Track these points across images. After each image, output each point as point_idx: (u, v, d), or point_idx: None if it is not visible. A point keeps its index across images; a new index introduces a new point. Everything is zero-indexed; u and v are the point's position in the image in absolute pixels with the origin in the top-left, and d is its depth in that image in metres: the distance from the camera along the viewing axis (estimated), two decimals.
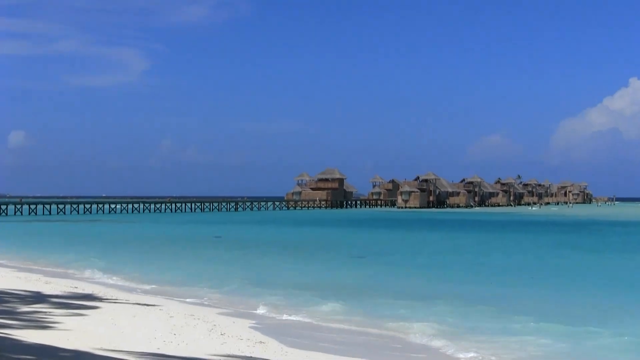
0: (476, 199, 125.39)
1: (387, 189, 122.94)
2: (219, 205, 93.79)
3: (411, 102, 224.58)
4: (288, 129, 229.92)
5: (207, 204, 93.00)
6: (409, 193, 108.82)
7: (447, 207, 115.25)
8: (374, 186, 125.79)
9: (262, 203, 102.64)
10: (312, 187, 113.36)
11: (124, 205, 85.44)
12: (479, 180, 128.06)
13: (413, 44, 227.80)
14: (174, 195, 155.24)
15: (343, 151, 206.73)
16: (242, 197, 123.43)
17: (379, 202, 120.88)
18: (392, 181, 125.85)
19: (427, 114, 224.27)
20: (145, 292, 16.67)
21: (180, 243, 33.27)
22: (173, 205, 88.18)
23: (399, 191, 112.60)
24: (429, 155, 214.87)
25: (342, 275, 20.06)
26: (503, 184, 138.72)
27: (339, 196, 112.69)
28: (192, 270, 20.96)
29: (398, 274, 20.62)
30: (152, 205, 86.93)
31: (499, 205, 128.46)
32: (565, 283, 18.59)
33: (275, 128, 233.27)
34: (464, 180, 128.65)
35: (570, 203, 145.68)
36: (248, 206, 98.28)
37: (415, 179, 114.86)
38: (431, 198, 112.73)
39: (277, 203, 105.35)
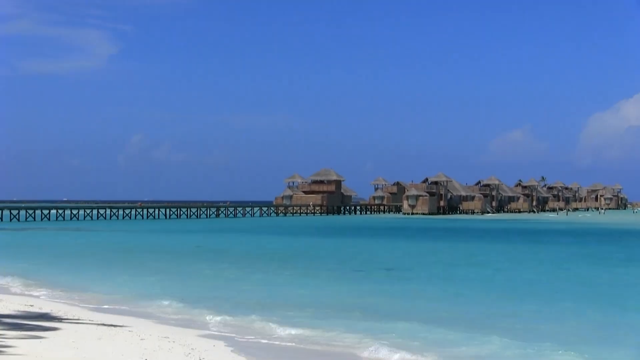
0: (493, 204, 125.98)
1: (391, 193, 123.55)
2: (197, 211, 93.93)
3: (418, 94, 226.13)
4: (279, 123, 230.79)
5: (184, 210, 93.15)
6: (417, 197, 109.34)
7: (460, 213, 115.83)
8: (376, 189, 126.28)
9: (248, 209, 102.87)
10: (305, 190, 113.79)
11: (88, 211, 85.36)
12: (496, 182, 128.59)
13: (422, 30, 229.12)
14: (146, 199, 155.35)
15: (341, 149, 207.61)
16: (225, 202, 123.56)
17: (381, 207, 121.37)
18: (397, 184, 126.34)
19: (436, 107, 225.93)
20: (112, 311, 16.68)
21: (154, 255, 33.33)
22: (145, 211, 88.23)
23: (404, 195, 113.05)
24: (439, 154, 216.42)
25: (334, 292, 20.13)
26: (524, 187, 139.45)
27: (335, 201, 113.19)
28: (167, 286, 21.03)
29: (401, 291, 20.77)
30: (121, 211, 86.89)
31: (519, 211, 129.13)
32: (593, 303, 18.64)
33: (263, 122, 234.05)
34: (479, 182, 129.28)
35: (602, 209, 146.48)
36: (231, 212, 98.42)
37: (424, 181, 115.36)
38: (442, 203, 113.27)
39: (264, 209, 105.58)
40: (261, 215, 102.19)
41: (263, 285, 21.67)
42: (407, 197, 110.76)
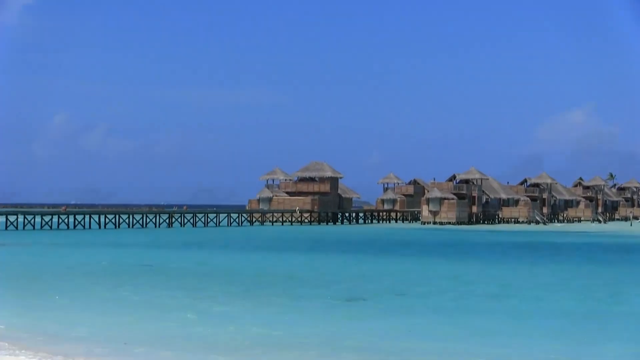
0: (545, 210, 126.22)
1: (405, 195, 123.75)
2: (143, 218, 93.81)
3: (440, 65, 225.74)
4: (254, 101, 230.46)
5: (124, 217, 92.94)
6: (441, 201, 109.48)
7: (499, 222, 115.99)
8: (385, 190, 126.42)
9: (212, 215, 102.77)
10: (289, 190, 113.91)
11: None
12: (549, 181, 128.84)
13: None
14: (73, 202, 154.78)
15: (338, 136, 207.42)
16: (179, 207, 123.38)
17: (392, 214, 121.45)
18: (414, 182, 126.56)
19: (465, 82, 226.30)
20: (27, 348, 16.52)
21: (86, 277, 33.25)
22: (71, 218, 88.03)
23: (424, 198, 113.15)
24: (470, 143, 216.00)
25: (317, 329, 20.38)
26: (587, 188, 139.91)
27: (330, 205, 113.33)
28: (100, 322, 21.10)
29: (409, 324, 20.87)
30: (39, 218, 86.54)
31: (579, 220, 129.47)
32: None
33: (236, 99, 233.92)
34: (524, 181, 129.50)
35: None
36: (189, 220, 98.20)
37: (450, 179, 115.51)
38: (474, 209, 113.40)
39: (234, 216, 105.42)
40: (229, 224, 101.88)
41: (224, 319, 21.65)
42: (428, 201, 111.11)
